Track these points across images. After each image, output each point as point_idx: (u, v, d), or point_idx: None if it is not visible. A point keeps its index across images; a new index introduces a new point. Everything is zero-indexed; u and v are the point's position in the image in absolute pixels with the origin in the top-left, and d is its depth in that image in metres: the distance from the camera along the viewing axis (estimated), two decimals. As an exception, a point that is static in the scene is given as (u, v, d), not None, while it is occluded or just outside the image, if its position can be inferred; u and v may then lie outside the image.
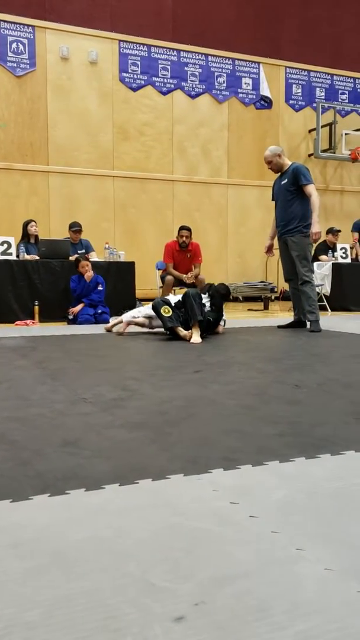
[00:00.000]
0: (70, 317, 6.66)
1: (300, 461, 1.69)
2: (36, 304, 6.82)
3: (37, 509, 1.36)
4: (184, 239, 7.28)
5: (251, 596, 0.98)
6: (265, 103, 11.83)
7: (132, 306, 7.42)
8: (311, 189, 5.47)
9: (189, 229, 7.35)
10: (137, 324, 5.32)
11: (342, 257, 9.05)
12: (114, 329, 5.53)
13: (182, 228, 7.37)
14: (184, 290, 7.03)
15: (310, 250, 5.69)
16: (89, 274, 6.68)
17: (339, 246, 9.13)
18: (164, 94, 11.05)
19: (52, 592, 1.00)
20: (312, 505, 1.38)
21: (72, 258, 7.25)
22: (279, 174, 5.72)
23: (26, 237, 7.68)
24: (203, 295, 5.12)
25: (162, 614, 0.93)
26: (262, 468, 1.63)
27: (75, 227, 7.93)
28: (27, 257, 7.16)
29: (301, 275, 5.55)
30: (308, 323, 5.61)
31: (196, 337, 4.72)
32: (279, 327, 5.89)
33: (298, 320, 5.83)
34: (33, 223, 7.75)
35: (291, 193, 5.54)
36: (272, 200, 5.93)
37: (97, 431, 2.01)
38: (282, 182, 5.61)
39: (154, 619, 0.92)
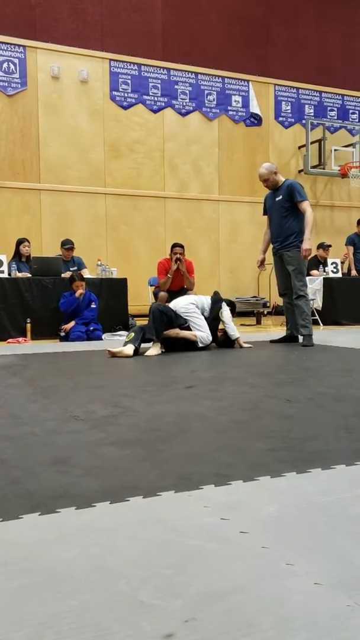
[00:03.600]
0: (63, 334, 6.66)
1: (292, 476, 1.69)
2: (28, 321, 6.81)
3: (27, 527, 1.36)
4: (178, 255, 7.29)
5: (241, 612, 0.98)
6: (255, 120, 11.96)
7: (125, 323, 7.42)
8: (306, 206, 5.51)
9: (182, 246, 7.37)
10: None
11: (333, 271, 9.10)
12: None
13: (175, 245, 7.38)
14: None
15: (306, 264, 5.73)
16: (80, 290, 6.71)
17: (329, 261, 9.18)
18: (155, 111, 11.15)
19: (41, 611, 1.00)
20: (302, 520, 1.38)
21: (64, 275, 7.26)
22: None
23: (18, 256, 7.68)
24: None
25: (151, 631, 0.93)
26: (253, 483, 1.63)
27: (67, 245, 7.95)
28: (19, 275, 7.16)
29: (296, 290, 5.57)
30: (300, 337, 5.63)
31: (151, 351, 5.00)
32: (272, 341, 5.91)
33: (290, 335, 5.84)
34: (26, 243, 7.75)
35: (286, 209, 5.58)
36: (264, 214, 5.98)
37: (88, 449, 2.01)
38: (277, 199, 5.64)
39: (143, 637, 0.91)
